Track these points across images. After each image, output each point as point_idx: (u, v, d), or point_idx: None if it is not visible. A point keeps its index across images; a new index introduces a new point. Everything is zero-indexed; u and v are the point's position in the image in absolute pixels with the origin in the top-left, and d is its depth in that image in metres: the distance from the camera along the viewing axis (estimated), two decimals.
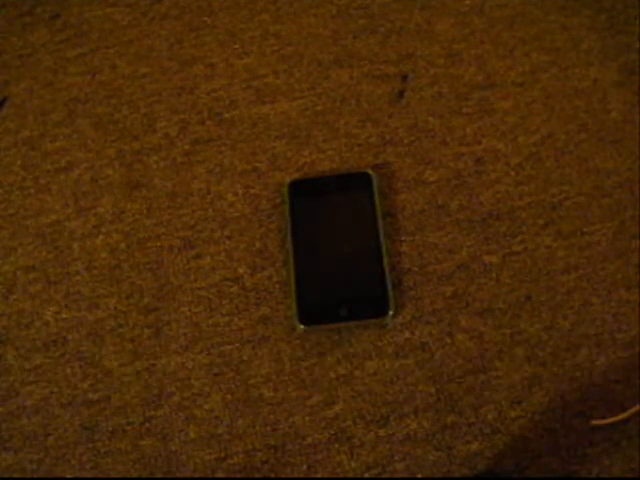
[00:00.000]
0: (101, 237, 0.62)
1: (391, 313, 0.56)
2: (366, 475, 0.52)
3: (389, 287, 0.57)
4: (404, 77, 0.67)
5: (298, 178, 0.62)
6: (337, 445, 0.53)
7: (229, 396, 0.55)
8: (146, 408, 0.55)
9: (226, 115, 0.67)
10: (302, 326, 0.56)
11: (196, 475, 0.53)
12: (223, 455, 0.53)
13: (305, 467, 0.53)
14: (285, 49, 0.70)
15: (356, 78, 0.68)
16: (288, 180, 0.62)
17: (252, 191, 0.63)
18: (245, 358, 0.56)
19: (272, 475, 0.52)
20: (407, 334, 0.57)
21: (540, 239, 0.60)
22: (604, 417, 0.53)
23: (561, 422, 0.53)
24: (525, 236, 0.60)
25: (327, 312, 0.56)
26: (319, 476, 0.52)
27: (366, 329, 0.57)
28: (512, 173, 0.62)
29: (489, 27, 0.69)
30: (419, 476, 0.52)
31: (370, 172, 0.61)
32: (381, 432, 0.53)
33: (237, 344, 0.57)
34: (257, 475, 0.53)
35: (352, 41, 0.69)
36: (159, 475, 0.53)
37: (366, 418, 0.54)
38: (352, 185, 0.61)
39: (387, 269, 0.57)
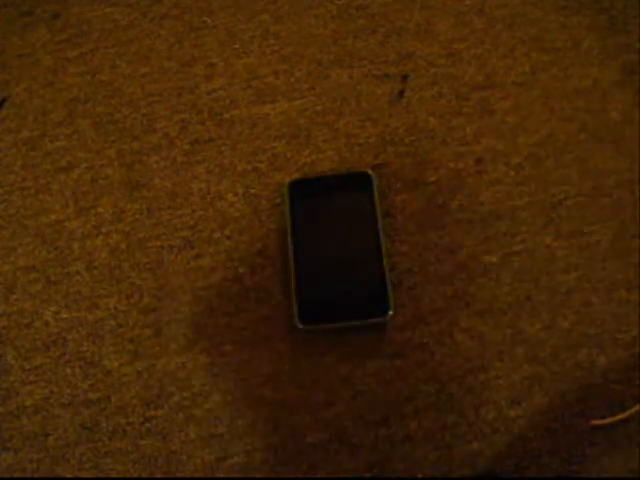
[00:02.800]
0: (101, 237, 0.62)
1: (391, 313, 0.56)
2: (366, 475, 0.52)
3: (389, 287, 0.57)
4: (404, 77, 0.67)
5: (298, 178, 0.62)
6: (337, 445, 0.53)
7: (229, 396, 0.55)
8: (146, 408, 0.55)
9: (226, 115, 0.67)
10: (302, 325, 0.56)
11: (196, 475, 0.53)
12: (223, 455, 0.53)
13: (305, 467, 0.53)
14: (285, 49, 0.70)
15: (356, 78, 0.68)
16: (288, 180, 0.62)
17: (252, 191, 0.63)
18: (245, 358, 0.56)
19: (272, 475, 0.52)
20: (407, 334, 0.57)
21: (540, 239, 0.60)
22: (604, 417, 0.53)
23: (561, 422, 0.53)
24: (525, 236, 0.60)
25: (327, 312, 0.56)
26: (319, 476, 0.52)
27: (366, 329, 0.57)
28: (512, 173, 0.62)
29: (489, 27, 0.69)
30: (419, 476, 0.52)
31: (370, 172, 0.61)
32: (381, 432, 0.53)
33: (237, 344, 0.57)
34: (257, 475, 0.53)
35: (352, 41, 0.69)
36: (159, 475, 0.53)
37: (366, 418, 0.54)
38: (352, 185, 0.61)
39: (387, 269, 0.57)
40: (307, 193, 0.61)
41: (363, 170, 0.62)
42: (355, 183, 0.61)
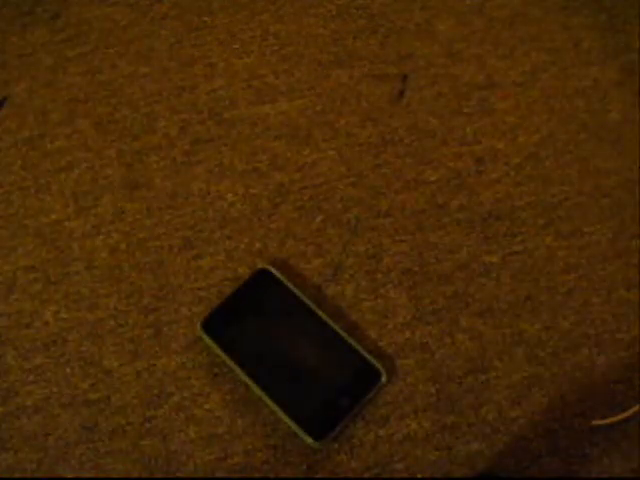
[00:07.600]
0: (101, 237, 0.62)
1: (384, 378, 0.54)
2: (366, 475, 0.52)
3: (366, 355, 0.54)
4: (404, 77, 0.67)
5: (207, 316, 0.57)
6: (337, 445, 0.53)
7: (229, 396, 0.55)
8: (146, 408, 0.55)
9: (226, 115, 0.67)
10: (319, 444, 0.52)
11: (196, 475, 0.53)
12: (223, 455, 0.53)
13: (305, 467, 0.53)
14: (285, 49, 0.70)
15: (356, 78, 0.68)
16: (199, 323, 0.56)
17: (252, 191, 0.63)
18: None
19: (272, 475, 0.52)
20: (407, 334, 0.57)
21: (540, 239, 0.60)
22: (604, 417, 0.53)
23: (561, 422, 0.53)
24: (525, 236, 0.60)
25: (332, 415, 0.52)
26: (319, 476, 0.52)
27: (366, 330, 0.57)
28: (512, 173, 0.62)
29: (489, 27, 0.69)
30: (419, 476, 0.52)
31: (265, 266, 0.58)
32: (381, 432, 0.53)
33: None
34: (257, 475, 0.53)
35: (352, 41, 0.69)
36: (159, 475, 0.53)
37: (366, 418, 0.54)
38: (258, 288, 0.57)
39: (353, 342, 0.54)
40: (224, 324, 0.56)
41: (259, 268, 0.58)
42: (259, 284, 0.57)
